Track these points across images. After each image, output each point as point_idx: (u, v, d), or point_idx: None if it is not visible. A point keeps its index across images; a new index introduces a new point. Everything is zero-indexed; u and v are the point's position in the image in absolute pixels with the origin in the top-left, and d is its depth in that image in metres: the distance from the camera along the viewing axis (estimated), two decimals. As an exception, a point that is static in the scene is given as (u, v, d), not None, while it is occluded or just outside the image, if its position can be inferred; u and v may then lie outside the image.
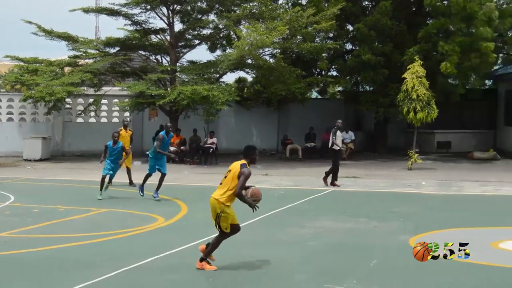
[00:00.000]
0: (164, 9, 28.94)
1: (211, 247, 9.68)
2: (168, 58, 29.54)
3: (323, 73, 32.72)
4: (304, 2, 30.54)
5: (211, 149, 27.53)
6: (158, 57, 30.58)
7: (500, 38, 31.33)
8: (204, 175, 23.33)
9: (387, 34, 29.50)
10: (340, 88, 35.62)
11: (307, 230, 12.81)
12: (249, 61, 28.05)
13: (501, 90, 33.45)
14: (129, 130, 20.44)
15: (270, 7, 28.10)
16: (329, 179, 20.01)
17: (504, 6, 30.70)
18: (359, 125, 34.35)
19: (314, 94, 36.84)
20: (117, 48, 29.65)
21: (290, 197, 17.55)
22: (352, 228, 13.27)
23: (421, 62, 25.46)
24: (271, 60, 29.17)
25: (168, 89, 27.35)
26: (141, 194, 16.88)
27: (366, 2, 32.86)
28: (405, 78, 25.22)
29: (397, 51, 28.95)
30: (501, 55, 33.85)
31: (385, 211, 15.79)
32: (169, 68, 28.42)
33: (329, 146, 20.40)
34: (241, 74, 33.37)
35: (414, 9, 32.03)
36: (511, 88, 31.32)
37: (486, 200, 18.19)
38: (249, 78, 32.89)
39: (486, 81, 34.85)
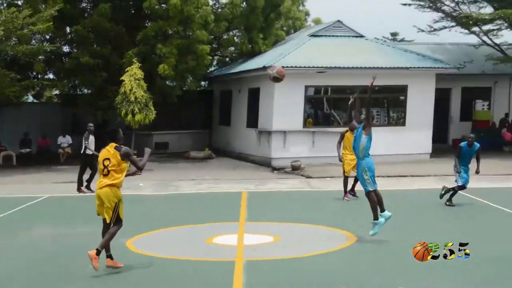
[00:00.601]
0: None
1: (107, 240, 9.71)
2: None
3: (40, 76, 31.69)
4: (20, 3, 29.30)
5: None
6: None
7: (216, 41, 32.70)
8: None
9: (106, 37, 29.37)
10: (57, 92, 34.68)
11: (20, 240, 12.38)
12: (-42, 64, 26.38)
13: (216, 91, 34.82)
14: None
15: (-17, 8, 26.60)
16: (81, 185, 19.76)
17: (220, 10, 32.03)
18: (78, 128, 33.74)
19: (30, 98, 35.44)
20: None
21: (2, 207, 16.67)
22: (68, 234, 13.10)
23: (140, 64, 25.73)
24: (-16, 64, 27.65)
25: None
26: None
27: (85, 4, 32.37)
28: (124, 81, 25.35)
29: (116, 54, 28.91)
30: (216, 57, 35.38)
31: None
32: None
33: (81, 152, 19.81)
34: None
35: (133, 11, 32.10)
36: (225, 89, 32.72)
37: (202, 197, 18.98)
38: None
39: (202, 83, 36.10)
